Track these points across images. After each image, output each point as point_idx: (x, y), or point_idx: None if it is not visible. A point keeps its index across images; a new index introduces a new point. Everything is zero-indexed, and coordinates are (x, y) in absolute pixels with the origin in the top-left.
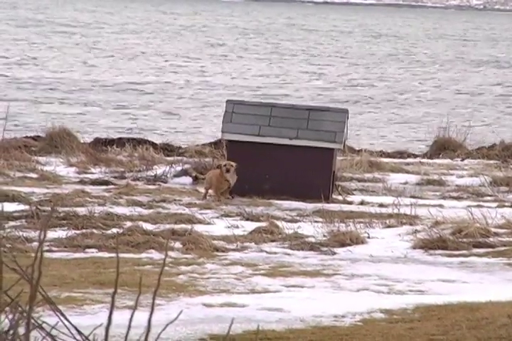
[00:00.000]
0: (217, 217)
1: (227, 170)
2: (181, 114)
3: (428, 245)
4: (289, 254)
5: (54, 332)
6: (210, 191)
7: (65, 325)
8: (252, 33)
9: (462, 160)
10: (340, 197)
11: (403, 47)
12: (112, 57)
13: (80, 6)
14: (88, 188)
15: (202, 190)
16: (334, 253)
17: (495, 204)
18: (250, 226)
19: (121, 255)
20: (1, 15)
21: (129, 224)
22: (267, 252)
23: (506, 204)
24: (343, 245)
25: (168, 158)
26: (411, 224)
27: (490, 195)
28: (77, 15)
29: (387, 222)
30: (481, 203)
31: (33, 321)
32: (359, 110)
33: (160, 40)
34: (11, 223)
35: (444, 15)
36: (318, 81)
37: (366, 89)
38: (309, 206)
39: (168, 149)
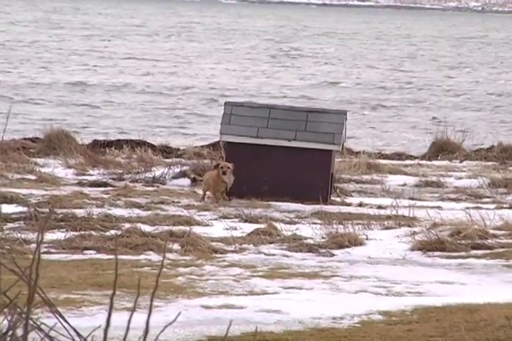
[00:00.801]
0: (216, 219)
1: (224, 172)
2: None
3: (426, 247)
4: (287, 256)
5: (52, 334)
6: (208, 193)
7: (64, 327)
8: (266, 35)
9: (460, 161)
10: (338, 199)
11: (417, 49)
12: (142, 60)
13: (84, 8)
14: (86, 190)
15: (200, 191)
16: (332, 255)
17: (493, 206)
18: (249, 228)
19: (119, 257)
20: (19, 17)
21: (127, 225)
22: (265, 254)
23: (504, 205)
24: (341, 247)
25: (167, 160)
26: (409, 226)
27: (488, 197)
28: (86, 18)
29: (386, 223)
30: (480, 205)
31: (31, 322)
32: (370, 112)
33: (180, 42)
34: (9, 225)
35: (444, 17)
36: (341, 83)
37: (390, 92)
38: (308, 208)
39: (166, 151)
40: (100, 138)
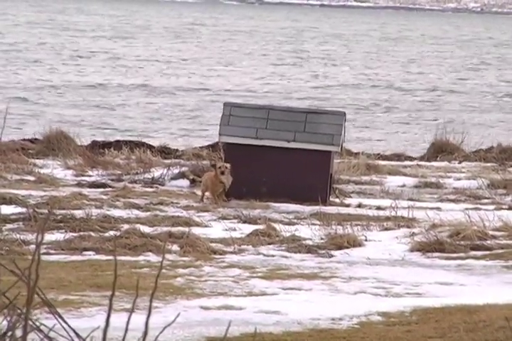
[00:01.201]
0: (215, 220)
1: (222, 172)
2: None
3: (425, 248)
4: (286, 257)
5: (52, 335)
6: (207, 194)
7: (63, 328)
8: (275, 36)
9: (460, 162)
10: (337, 200)
11: (426, 51)
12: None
13: (87, 9)
14: (85, 191)
15: (199, 192)
16: (331, 256)
17: (492, 207)
18: (248, 228)
19: (118, 258)
20: (23, 18)
21: (126, 226)
22: (264, 255)
23: (504, 206)
24: (340, 248)
25: (166, 161)
26: (408, 227)
27: (487, 198)
28: (92, 20)
29: (385, 224)
30: (479, 206)
31: (30, 323)
32: (371, 114)
33: (188, 44)
34: (9, 226)
35: (444, 18)
36: (353, 85)
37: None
38: (307, 209)
39: (165, 152)
40: (99, 138)
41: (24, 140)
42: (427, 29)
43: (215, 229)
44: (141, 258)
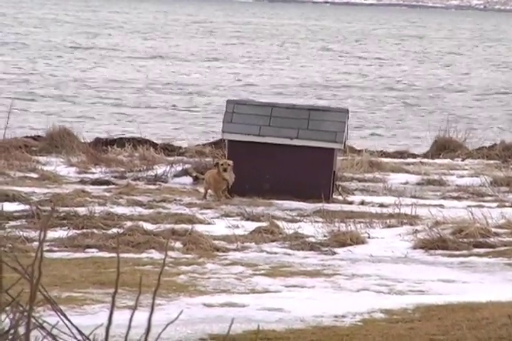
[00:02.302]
0: (218, 217)
1: (225, 169)
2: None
3: (428, 245)
4: (289, 254)
5: (54, 332)
6: (210, 191)
7: (66, 325)
8: (298, 35)
9: (462, 160)
10: (340, 197)
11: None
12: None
13: (93, 5)
14: (88, 188)
15: (202, 189)
16: (334, 253)
17: (495, 204)
18: (251, 226)
19: (121, 255)
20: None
21: (129, 224)
22: (267, 252)
23: (507, 204)
24: (343, 245)
25: (169, 158)
26: (411, 224)
27: (490, 195)
28: (106, 16)
29: (388, 222)
30: (482, 203)
31: (33, 321)
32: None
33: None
34: (12, 223)
35: (446, 15)
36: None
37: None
38: (310, 206)
39: (168, 149)
40: (102, 136)
41: (27, 137)
42: (452, 28)
43: (218, 227)
44: (144, 255)
